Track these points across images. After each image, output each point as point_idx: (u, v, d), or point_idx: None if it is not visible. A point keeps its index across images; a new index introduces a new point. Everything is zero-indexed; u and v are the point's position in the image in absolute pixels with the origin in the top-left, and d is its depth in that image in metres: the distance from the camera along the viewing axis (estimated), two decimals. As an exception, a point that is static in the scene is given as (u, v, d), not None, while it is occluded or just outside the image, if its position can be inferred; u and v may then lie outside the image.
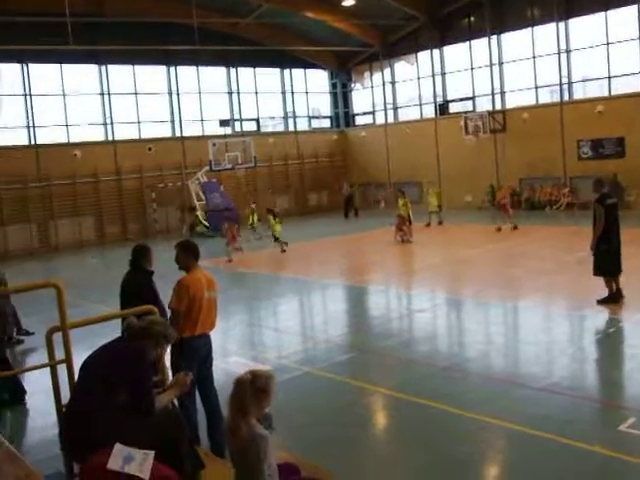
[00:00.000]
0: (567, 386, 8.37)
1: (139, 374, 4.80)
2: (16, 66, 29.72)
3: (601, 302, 12.09)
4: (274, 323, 13.88)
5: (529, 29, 30.58)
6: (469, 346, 10.80)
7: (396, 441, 7.50)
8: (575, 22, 29.11)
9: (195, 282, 6.90)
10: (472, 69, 33.37)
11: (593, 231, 11.96)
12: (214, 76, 35.66)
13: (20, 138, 29.88)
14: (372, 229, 26.79)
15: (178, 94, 34.21)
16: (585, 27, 28.82)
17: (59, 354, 5.28)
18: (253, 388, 4.26)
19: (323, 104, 41.13)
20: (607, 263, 11.95)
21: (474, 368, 9.43)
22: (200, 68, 34.65)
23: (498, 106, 32.32)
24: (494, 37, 31.91)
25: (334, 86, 40.52)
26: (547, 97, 31.18)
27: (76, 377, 5.07)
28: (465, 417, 7.57)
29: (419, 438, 7.27)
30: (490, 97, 32.75)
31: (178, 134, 34.13)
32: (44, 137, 30.31)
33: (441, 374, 9.26)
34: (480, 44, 32.63)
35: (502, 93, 32.32)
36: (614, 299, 12.08)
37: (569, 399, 7.97)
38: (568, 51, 29.45)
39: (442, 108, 34.98)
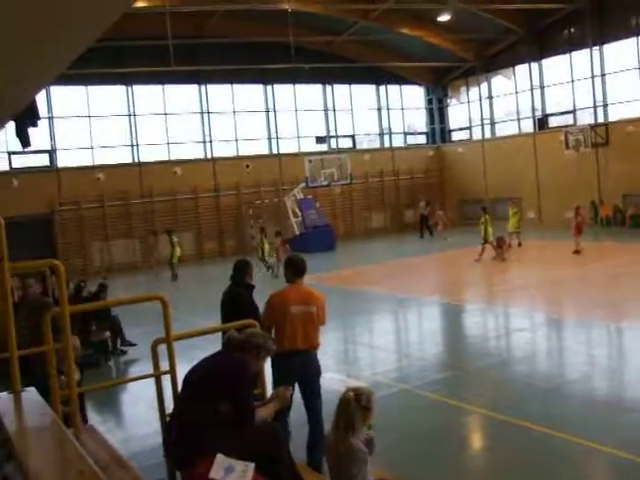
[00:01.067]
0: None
1: (241, 386, 4.87)
2: (121, 88, 31.04)
3: None
4: (369, 340, 13.84)
5: (634, 39, 29.51)
6: (571, 367, 10.44)
7: (494, 462, 7.30)
8: (684, 31, 27.93)
9: (280, 297, 6.92)
10: (573, 82, 32.47)
11: None
12: (310, 93, 36.12)
13: (124, 156, 31.17)
14: (465, 247, 26.22)
15: (275, 112, 34.82)
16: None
17: (162, 365, 5.44)
18: (359, 405, 4.29)
19: (419, 120, 40.93)
20: None
21: (577, 390, 9.09)
22: (296, 86, 35.17)
23: (600, 119, 31.31)
24: (596, 48, 30.96)
25: (430, 102, 40.27)
26: (654, 109, 29.97)
27: (179, 388, 5.21)
28: (567, 441, 7.29)
29: (518, 460, 7.04)
30: (592, 110, 31.77)
31: (275, 151, 34.72)
32: (147, 155, 31.50)
33: (542, 395, 8.98)
34: (581, 55, 31.73)
35: (605, 106, 31.29)
36: None
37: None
38: (676, 61, 28.26)
39: (541, 122, 34.18)
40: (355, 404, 4.30)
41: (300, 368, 6.76)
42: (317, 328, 6.99)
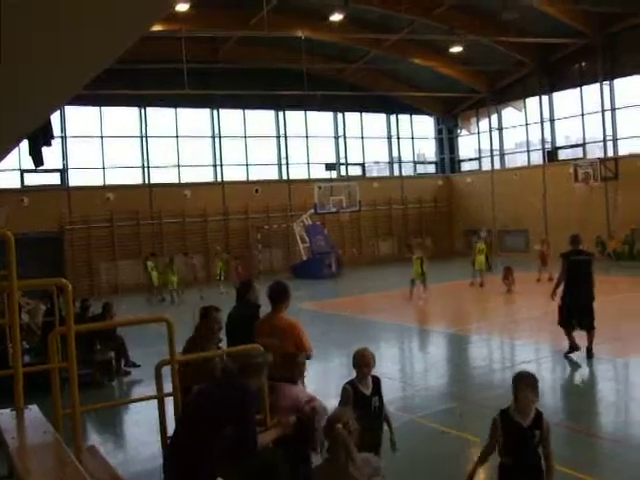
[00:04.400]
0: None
1: (243, 413, 4.84)
2: (134, 109, 31.33)
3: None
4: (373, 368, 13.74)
5: (644, 75, 29.70)
6: (577, 402, 10.36)
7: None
8: (695, 68, 28.04)
9: (256, 327, 7.08)
10: (583, 115, 32.61)
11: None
12: (321, 120, 36.35)
13: (135, 177, 31.36)
14: (469, 278, 25.98)
15: (286, 138, 35.02)
16: None
17: (165, 387, 5.43)
18: (349, 434, 4.23)
19: (429, 149, 41.12)
20: (564, 317, 12.59)
21: (584, 426, 9.01)
22: (308, 112, 35.40)
23: (610, 153, 31.37)
24: (606, 83, 31.12)
25: (440, 132, 40.46)
26: (664, 145, 30.06)
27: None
28: (573, 477, 7.22)
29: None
30: (602, 144, 31.85)
31: (285, 177, 34.87)
32: (157, 177, 31.68)
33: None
34: (591, 89, 31.90)
35: (615, 140, 31.37)
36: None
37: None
38: (687, 98, 28.34)
39: (550, 155, 34.28)
40: (347, 435, 4.23)
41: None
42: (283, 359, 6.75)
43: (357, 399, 6.05)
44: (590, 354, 12.34)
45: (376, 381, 6.36)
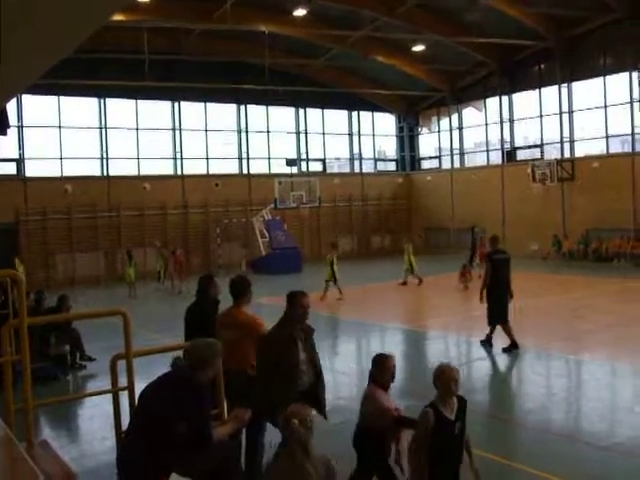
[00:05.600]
0: (633, 446, 8.04)
1: (196, 407, 4.81)
2: (94, 100, 30.86)
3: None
4: (330, 364, 13.78)
5: (601, 78, 30.22)
6: (529, 398, 10.52)
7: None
8: (649, 73, 28.62)
9: (217, 319, 7.10)
10: (541, 117, 33.11)
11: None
12: (283, 115, 36.28)
13: (93, 169, 30.91)
14: (429, 275, 26.23)
15: (247, 132, 34.88)
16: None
17: (120, 381, 5.38)
18: (307, 429, 4.23)
19: (389, 147, 41.33)
20: (493, 313, 13.32)
21: (533, 421, 9.17)
22: (269, 107, 35.30)
23: (567, 154, 31.90)
24: (564, 85, 31.63)
25: (401, 129, 40.69)
26: (618, 147, 30.64)
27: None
28: (522, 471, 7.35)
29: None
30: (559, 145, 32.37)
31: (245, 171, 34.73)
32: (116, 169, 31.27)
33: (498, 425, 9.04)
34: (550, 92, 32.40)
35: (571, 142, 31.91)
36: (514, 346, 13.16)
37: (635, 460, 7.65)
38: (641, 101, 28.95)
39: (509, 155, 34.74)
40: (304, 430, 4.23)
41: (236, 387, 6.49)
42: (243, 352, 6.81)
43: (438, 424, 5.18)
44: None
45: (462, 403, 5.42)
